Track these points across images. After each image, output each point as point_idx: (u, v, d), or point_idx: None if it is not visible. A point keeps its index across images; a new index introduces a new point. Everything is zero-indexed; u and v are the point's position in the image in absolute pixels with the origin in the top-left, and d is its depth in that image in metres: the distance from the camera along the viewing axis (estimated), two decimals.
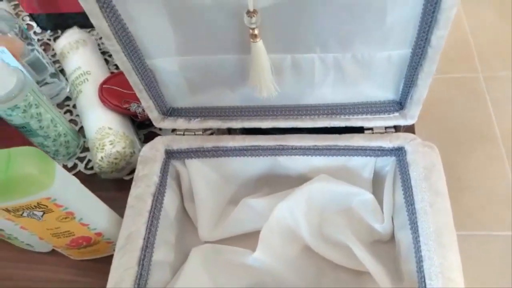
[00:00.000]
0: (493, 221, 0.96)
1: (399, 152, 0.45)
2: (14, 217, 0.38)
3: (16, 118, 0.48)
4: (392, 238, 0.46)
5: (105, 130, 0.53)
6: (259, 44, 0.37)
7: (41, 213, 0.38)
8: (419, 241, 0.39)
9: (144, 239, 0.41)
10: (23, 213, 0.37)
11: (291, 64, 0.41)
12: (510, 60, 1.21)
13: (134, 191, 0.44)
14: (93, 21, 0.36)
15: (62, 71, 0.66)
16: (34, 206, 0.36)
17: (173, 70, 0.43)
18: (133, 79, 0.42)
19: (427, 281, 0.37)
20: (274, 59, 0.40)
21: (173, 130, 0.50)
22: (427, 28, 0.35)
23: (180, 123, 0.48)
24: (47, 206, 0.37)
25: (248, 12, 0.34)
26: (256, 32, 0.36)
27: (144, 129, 0.60)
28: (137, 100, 0.56)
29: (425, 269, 0.37)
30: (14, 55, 0.55)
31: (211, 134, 0.52)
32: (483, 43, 1.24)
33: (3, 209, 0.36)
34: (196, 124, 0.48)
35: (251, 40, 0.36)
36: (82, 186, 0.40)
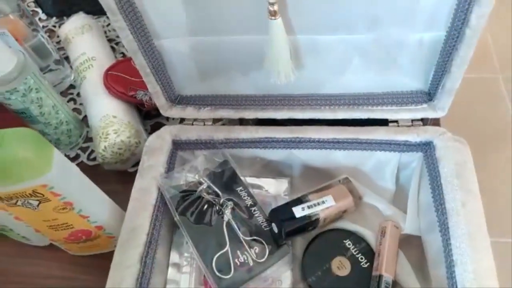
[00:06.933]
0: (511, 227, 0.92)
1: (426, 147, 0.41)
2: (8, 206, 0.35)
3: (15, 103, 0.45)
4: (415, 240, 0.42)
5: (110, 119, 0.50)
6: (278, 22, 0.33)
7: (37, 202, 0.35)
8: (450, 244, 0.35)
9: (148, 234, 0.38)
10: (17, 201, 0.34)
11: (311, 47, 0.37)
12: None
13: (138, 183, 0.41)
14: None
15: (67, 58, 0.63)
16: (29, 194, 0.33)
17: (183, 52, 0.39)
18: (140, 61, 0.39)
19: None
20: (293, 41, 0.36)
21: (181, 121, 0.47)
22: (466, 6, 0.32)
23: (189, 112, 0.45)
24: (43, 195, 0.34)
25: None
26: (275, 8, 0.32)
27: (150, 120, 0.56)
28: (143, 87, 0.53)
29: (457, 275, 0.34)
30: (16, 39, 0.53)
31: (222, 124, 0.48)
32: (502, 44, 1.20)
33: None
34: (206, 113, 0.45)
35: (270, 17, 0.33)
36: (82, 174, 0.37)
